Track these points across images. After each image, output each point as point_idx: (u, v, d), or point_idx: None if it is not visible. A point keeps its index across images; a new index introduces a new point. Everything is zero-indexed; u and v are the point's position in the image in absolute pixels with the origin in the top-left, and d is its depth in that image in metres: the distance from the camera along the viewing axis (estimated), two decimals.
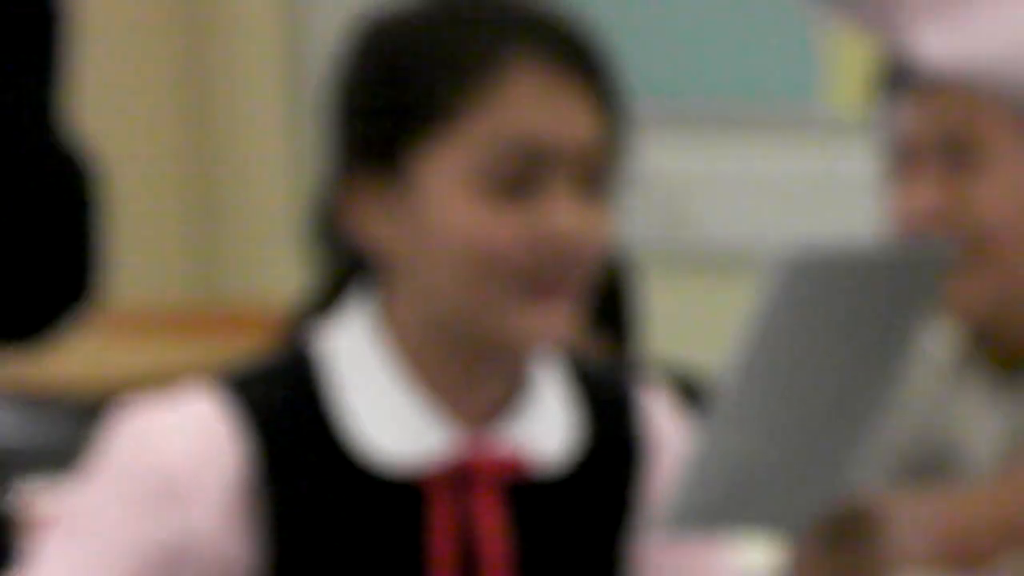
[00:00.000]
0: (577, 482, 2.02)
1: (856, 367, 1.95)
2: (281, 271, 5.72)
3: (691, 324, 4.04)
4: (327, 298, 2.05)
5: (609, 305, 3.20)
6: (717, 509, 1.92)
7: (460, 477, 2.00)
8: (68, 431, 4.13)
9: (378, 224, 1.94)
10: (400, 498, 1.98)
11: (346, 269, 2.03)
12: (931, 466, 2.84)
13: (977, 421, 2.93)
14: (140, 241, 5.70)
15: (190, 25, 6.38)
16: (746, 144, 5.37)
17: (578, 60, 1.94)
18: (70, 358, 4.42)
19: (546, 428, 2.03)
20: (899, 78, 3.00)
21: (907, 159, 2.96)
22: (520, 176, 1.92)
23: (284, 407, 1.99)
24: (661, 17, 5.39)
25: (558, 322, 1.95)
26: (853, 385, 1.95)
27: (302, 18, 6.31)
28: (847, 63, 5.53)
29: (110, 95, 6.15)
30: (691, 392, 3.30)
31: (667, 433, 2.11)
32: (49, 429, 4.12)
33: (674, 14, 5.54)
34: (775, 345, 1.85)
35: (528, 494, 1.99)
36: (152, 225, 5.97)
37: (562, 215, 1.91)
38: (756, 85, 5.45)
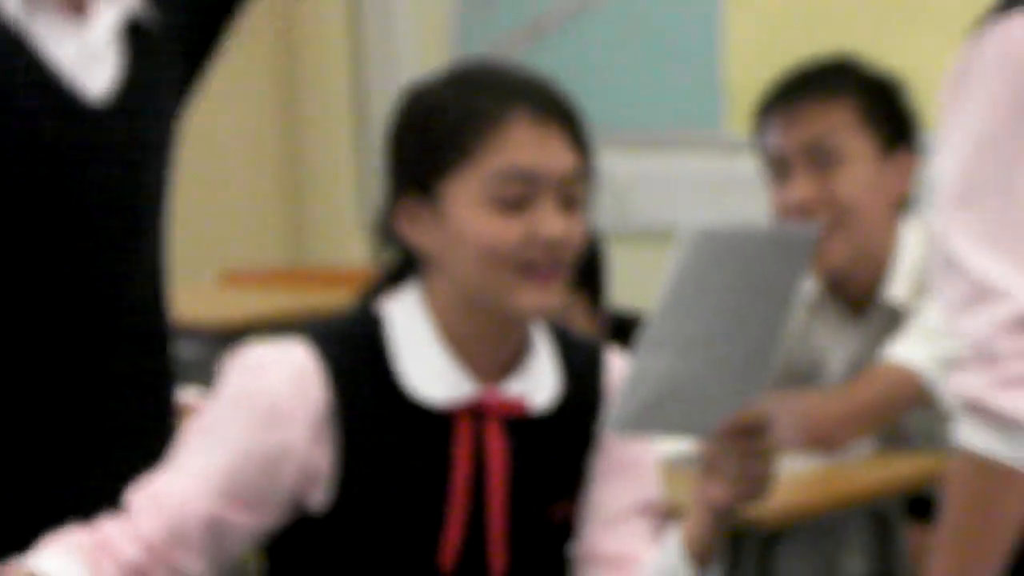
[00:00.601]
0: (558, 419, 2.11)
1: (751, 311, 1.98)
2: (347, 247, 5.81)
3: (636, 281, 3.86)
4: (390, 278, 2.14)
5: (587, 272, 3.11)
6: (646, 417, 1.98)
7: (477, 412, 2.08)
8: (201, 355, 4.05)
9: (419, 232, 2.03)
10: (435, 425, 2.08)
11: (403, 259, 2.12)
12: (801, 377, 2.92)
13: (832, 347, 2.99)
14: (251, 224, 5.94)
15: (287, 80, 6.24)
16: (672, 156, 5.29)
17: (558, 113, 2.04)
18: (201, 304, 4.34)
19: (539, 380, 2.13)
20: (770, 105, 3.11)
21: (781, 164, 3.03)
22: (519, 196, 2.01)
23: (355, 354, 2.09)
24: (611, 67, 5.29)
25: (549, 299, 2.05)
26: (749, 324, 1.98)
27: (366, 81, 6.02)
28: (740, 98, 5.05)
29: (231, 138, 5.96)
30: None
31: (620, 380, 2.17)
32: (188, 352, 3.72)
33: (621, 65, 5.41)
34: (688, 292, 1.90)
35: (523, 426, 2.09)
36: (259, 215, 6.05)
37: (549, 223, 2.00)
38: (680, 113, 5.37)
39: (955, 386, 1.82)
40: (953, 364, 1.84)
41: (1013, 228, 1.82)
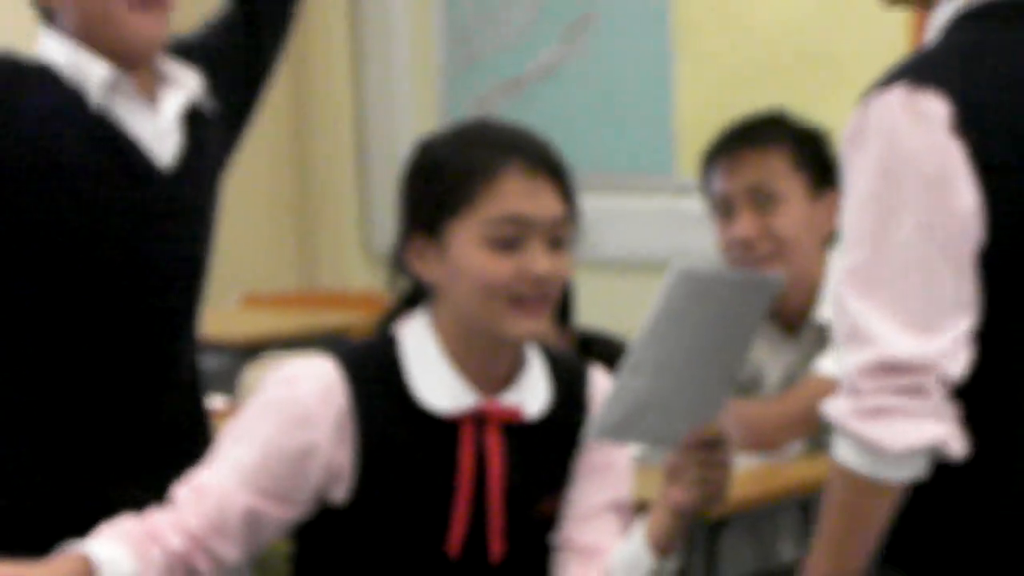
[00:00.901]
0: (548, 425, 2.09)
1: (720, 342, 1.98)
2: (351, 274, 5.77)
3: (600, 305, 3.88)
4: (403, 305, 2.15)
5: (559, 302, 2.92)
6: (624, 427, 1.96)
7: (479, 419, 2.06)
8: (225, 367, 3.96)
9: (426, 267, 2.02)
10: (442, 430, 2.06)
11: (413, 289, 2.12)
12: (743, 388, 2.90)
13: (770, 361, 2.96)
14: (269, 254, 5.83)
15: (300, 132, 6.09)
16: (631, 197, 5.27)
17: (546, 166, 2.02)
18: (226, 323, 4.32)
19: (532, 392, 2.10)
20: (715, 153, 3.10)
21: (726, 204, 3.01)
22: (511, 238, 1.99)
23: (373, 369, 2.07)
24: (578, 119, 5.21)
25: (536, 327, 2.03)
26: (717, 353, 1.98)
27: (367, 131, 5.88)
28: (689, 146, 4.86)
29: (251, 182, 5.43)
30: (605, 349, 3.20)
31: (602, 394, 2.17)
32: (214, 364, 3.80)
33: (587, 118, 5.35)
34: (668, 323, 1.89)
35: (518, 431, 2.07)
36: (276, 246, 5.95)
37: (538, 262, 1.98)
38: (638, 160, 5.32)
39: (827, 408, 1.80)
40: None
41: (883, 280, 1.78)
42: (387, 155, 5.66)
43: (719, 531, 2.86)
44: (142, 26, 2.48)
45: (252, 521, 2.07)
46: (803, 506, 2.98)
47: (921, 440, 1.74)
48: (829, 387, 2.66)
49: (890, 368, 1.75)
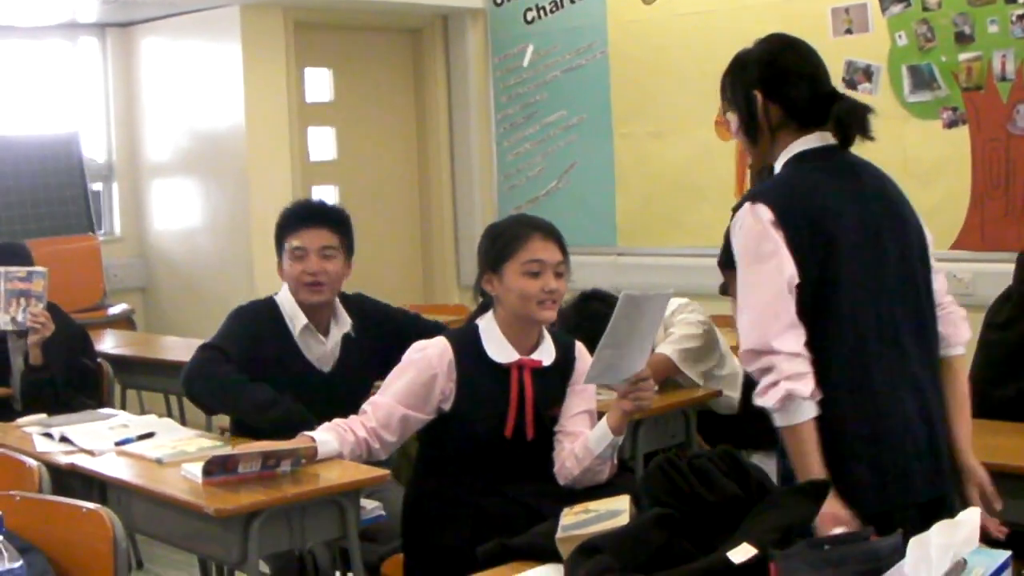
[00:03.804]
0: (554, 370, 2.50)
1: (643, 329, 2.28)
2: (452, 296, 6.86)
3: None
4: (481, 309, 2.57)
5: None
6: (598, 375, 2.34)
7: (519, 366, 2.46)
8: None
9: (492, 289, 2.48)
10: (501, 371, 2.48)
11: (484, 301, 2.55)
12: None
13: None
14: (405, 286, 6.76)
15: (423, 214, 6.97)
16: (595, 256, 6.04)
17: (553, 235, 2.49)
18: None
19: (546, 353, 2.53)
20: None
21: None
22: (536, 271, 2.43)
23: (466, 342, 2.52)
24: (563, 214, 5.47)
25: (552, 315, 2.45)
26: (641, 336, 2.29)
27: (460, 220, 6.94)
28: (625, 230, 6.19)
29: (390, 254, 6.80)
30: (599, 300, 3.52)
31: (582, 357, 2.57)
32: None
33: (567, 212, 6.11)
34: (619, 324, 2.22)
35: (540, 372, 2.50)
36: (410, 282, 6.93)
37: (551, 283, 2.42)
38: (592, 236, 6.27)
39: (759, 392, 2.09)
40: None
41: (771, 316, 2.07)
42: (469, 234, 6.75)
43: (639, 425, 3.32)
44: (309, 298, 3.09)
45: (403, 421, 2.51)
46: (684, 413, 3.58)
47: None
48: (665, 359, 3.50)
49: (756, 353, 2.08)
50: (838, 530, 1.96)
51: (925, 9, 5.05)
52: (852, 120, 2.15)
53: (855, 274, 2.14)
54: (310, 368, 3.13)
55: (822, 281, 2.11)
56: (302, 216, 3.11)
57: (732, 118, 2.23)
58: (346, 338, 3.14)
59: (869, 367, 2.13)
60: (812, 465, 2.08)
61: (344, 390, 2.99)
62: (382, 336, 3.15)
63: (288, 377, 3.05)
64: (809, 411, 2.07)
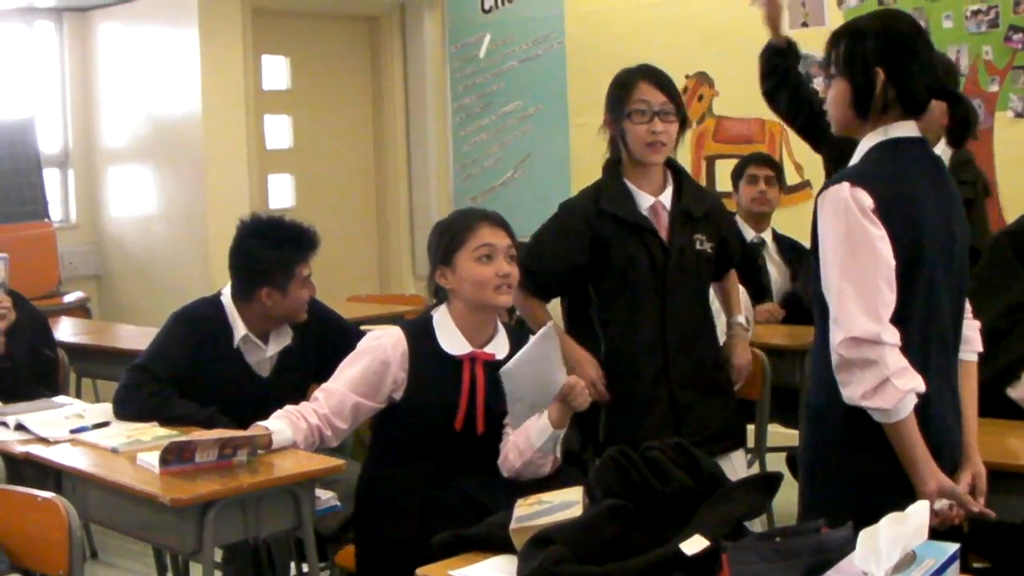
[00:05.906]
0: (505, 363, 2.43)
1: (544, 372, 2.39)
2: (405, 285, 6.88)
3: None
4: (435, 301, 2.59)
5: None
6: (527, 417, 2.43)
7: (472, 359, 2.45)
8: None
9: (445, 281, 2.49)
10: (453, 364, 2.47)
11: (439, 293, 2.56)
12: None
13: None
14: (362, 275, 6.87)
15: (380, 207, 7.02)
16: None
17: (501, 224, 2.52)
18: (338, 311, 3.44)
19: (499, 346, 2.52)
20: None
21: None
22: (488, 255, 2.44)
23: (419, 334, 2.51)
24: (520, 204, 5.92)
25: (508, 299, 2.46)
26: (545, 380, 2.39)
27: (415, 212, 6.90)
28: None
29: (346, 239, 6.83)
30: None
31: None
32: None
33: (524, 202, 6.18)
34: (517, 388, 2.38)
35: (492, 365, 2.47)
36: (367, 271, 6.98)
37: (504, 267, 2.43)
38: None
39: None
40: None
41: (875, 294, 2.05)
42: (425, 224, 6.46)
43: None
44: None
45: (355, 409, 2.52)
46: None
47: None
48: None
49: (861, 342, 2.05)
50: (942, 504, 2.03)
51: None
52: (974, 122, 2.19)
53: (933, 266, 2.15)
54: (248, 372, 3.17)
55: (906, 271, 2.11)
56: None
57: (839, 85, 2.19)
58: (286, 348, 3.18)
59: (928, 361, 2.15)
60: (920, 455, 2.08)
61: (281, 395, 2.92)
62: (323, 346, 3.17)
63: (225, 379, 3.10)
64: (911, 403, 2.08)
